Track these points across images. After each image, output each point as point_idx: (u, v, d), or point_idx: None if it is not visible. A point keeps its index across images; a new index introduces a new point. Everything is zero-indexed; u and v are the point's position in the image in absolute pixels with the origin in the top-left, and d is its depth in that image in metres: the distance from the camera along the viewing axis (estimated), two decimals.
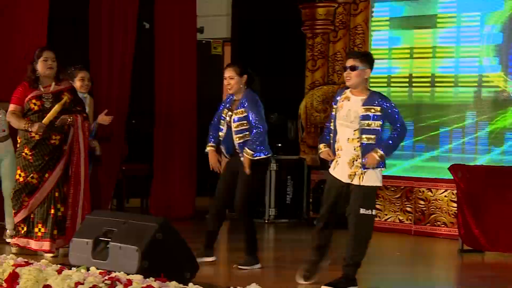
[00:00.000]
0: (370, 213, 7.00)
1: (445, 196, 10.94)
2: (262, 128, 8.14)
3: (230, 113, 8.30)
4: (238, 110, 8.22)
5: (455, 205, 10.43)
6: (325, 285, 7.01)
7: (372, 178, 7.01)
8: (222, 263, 9.12)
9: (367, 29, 12.09)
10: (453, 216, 10.69)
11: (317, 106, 12.57)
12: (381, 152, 6.93)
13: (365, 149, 6.96)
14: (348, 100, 7.08)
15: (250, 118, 8.14)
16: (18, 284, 6.37)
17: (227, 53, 14.16)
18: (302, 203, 12.43)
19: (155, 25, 12.71)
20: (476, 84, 11.09)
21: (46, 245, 8.26)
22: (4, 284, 6.47)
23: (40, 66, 8.36)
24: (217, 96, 14.38)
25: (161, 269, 6.41)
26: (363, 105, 7.01)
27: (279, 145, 12.43)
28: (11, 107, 8.38)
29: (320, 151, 7.29)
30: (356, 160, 7.00)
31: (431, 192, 11.09)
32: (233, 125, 8.23)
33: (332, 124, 7.20)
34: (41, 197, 8.27)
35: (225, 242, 11.40)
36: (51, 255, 8.29)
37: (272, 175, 12.15)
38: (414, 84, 11.62)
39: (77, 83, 9.19)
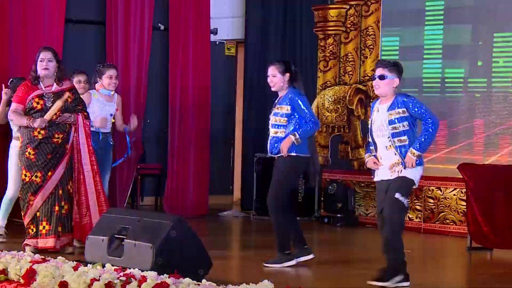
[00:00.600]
0: (403, 200, 6.99)
1: (454, 195, 10.92)
2: (314, 125, 8.09)
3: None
4: (280, 106, 8.12)
5: (463, 203, 10.41)
6: (371, 280, 7.05)
7: (409, 172, 7.03)
8: (235, 260, 9.14)
9: (378, 30, 12.08)
10: (461, 215, 10.67)
11: (329, 106, 12.56)
12: (416, 152, 6.96)
13: (402, 151, 7.02)
14: (378, 111, 7.16)
15: (304, 114, 8.03)
16: (35, 280, 6.39)
17: (241, 54, 14.16)
18: (314, 201, 12.40)
19: (169, 26, 12.72)
20: (485, 85, 11.07)
21: (50, 241, 8.24)
22: (22, 280, 6.49)
23: (38, 66, 8.37)
24: (230, 97, 14.39)
25: (175, 266, 6.41)
26: (387, 110, 7.07)
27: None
28: (13, 105, 8.37)
29: (366, 160, 7.29)
30: (397, 166, 7.05)
31: (440, 190, 11.07)
32: (271, 118, 8.14)
33: (370, 137, 7.27)
34: (44, 195, 8.25)
35: (238, 240, 11.42)
36: (70, 250, 8.30)
37: None
38: (424, 85, 11.62)
39: (105, 81, 9.23)
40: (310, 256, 8.21)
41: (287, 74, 8.18)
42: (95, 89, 9.32)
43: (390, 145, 7.07)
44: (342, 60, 12.48)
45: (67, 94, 8.37)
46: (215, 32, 13.76)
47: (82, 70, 9.60)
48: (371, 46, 12.16)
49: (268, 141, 8.20)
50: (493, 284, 7.71)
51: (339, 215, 11.84)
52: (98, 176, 8.53)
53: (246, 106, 13.58)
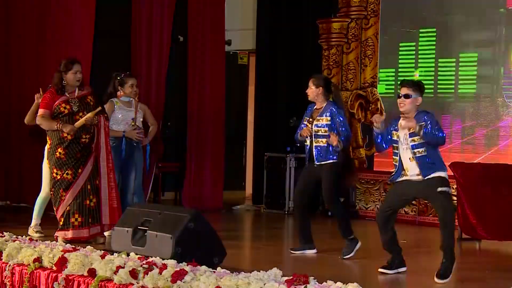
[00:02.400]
0: (446, 189, 6.89)
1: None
2: (348, 134, 8.13)
3: (311, 120, 8.15)
4: (320, 118, 8.07)
5: (455, 198, 10.36)
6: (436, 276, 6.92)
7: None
8: (247, 249, 9.14)
9: (376, 41, 12.07)
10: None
11: None
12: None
13: (420, 161, 6.89)
14: (401, 126, 7.01)
15: (337, 125, 8.01)
16: (67, 267, 6.41)
17: (252, 63, 14.17)
18: (318, 196, 12.38)
19: (188, 38, 12.74)
20: (474, 89, 11.07)
21: (84, 232, 8.27)
22: (54, 268, 6.51)
23: (70, 78, 8.36)
24: (243, 101, 14.41)
25: (192, 255, 6.42)
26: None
27: (298, 144, 12.40)
28: (41, 111, 8.36)
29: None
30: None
31: None
32: (314, 129, 8.08)
33: (395, 148, 7.08)
34: (76, 191, 8.28)
35: (250, 231, 11.42)
36: (101, 240, 8.33)
37: (291, 171, 12.15)
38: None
39: (127, 89, 9.14)
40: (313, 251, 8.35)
41: (320, 88, 8.13)
42: (116, 97, 9.23)
43: (412, 157, 6.94)
44: (344, 68, 12.48)
45: (90, 98, 8.43)
46: (229, 43, 13.78)
47: (132, 74, 9.50)
48: (370, 56, 12.15)
49: (312, 151, 8.11)
50: (480, 270, 7.69)
51: None
52: (113, 173, 8.54)
53: (257, 109, 13.58)
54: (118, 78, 9.20)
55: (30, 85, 11.33)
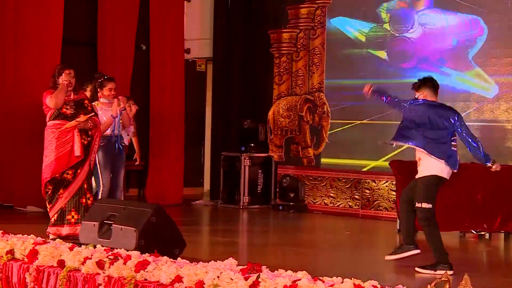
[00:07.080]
0: None
1: (386, 186, 10.99)
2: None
3: None
4: None
5: (394, 193, 10.49)
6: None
7: None
8: (205, 241, 9.13)
9: (323, 50, 12.14)
10: (392, 202, 10.75)
11: (283, 113, 12.59)
12: None
13: None
14: None
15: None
16: (37, 259, 6.36)
17: (209, 70, 14.16)
18: (270, 192, 12.45)
19: (150, 46, 12.70)
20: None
21: (79, 229, 8.05)
22: (26, 259, 6.45)
23: (65, 79, 8.09)
24: (201, 105, 14.38)
25: (154, 246, 6.38)
26: None
27: (252, 144, 12.45)
28: (51, 93, 8.06)
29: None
30: None
31: (375, 182, 11.14)
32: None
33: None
34: (73, 190, 8.09)
35: (208, 224, 11.40)
36: None
37: (246, 169, 12.16)
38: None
39: (106, 92, 8.86)
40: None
41: None
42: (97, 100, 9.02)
43: None
44: (293, 75, 12.52)
45: (86, 101, 8.28)
46: (188, 51, 13.75)
47: (112, 78, 9.18)
48: (317, 63, 12.21)
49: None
50: (417, 260, 7.74)
51: (291, 203, 11.87)
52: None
53: (214, 113, 13.57)
54: (99, 80, 9.00)
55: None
